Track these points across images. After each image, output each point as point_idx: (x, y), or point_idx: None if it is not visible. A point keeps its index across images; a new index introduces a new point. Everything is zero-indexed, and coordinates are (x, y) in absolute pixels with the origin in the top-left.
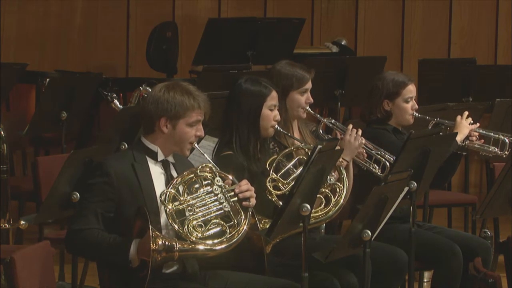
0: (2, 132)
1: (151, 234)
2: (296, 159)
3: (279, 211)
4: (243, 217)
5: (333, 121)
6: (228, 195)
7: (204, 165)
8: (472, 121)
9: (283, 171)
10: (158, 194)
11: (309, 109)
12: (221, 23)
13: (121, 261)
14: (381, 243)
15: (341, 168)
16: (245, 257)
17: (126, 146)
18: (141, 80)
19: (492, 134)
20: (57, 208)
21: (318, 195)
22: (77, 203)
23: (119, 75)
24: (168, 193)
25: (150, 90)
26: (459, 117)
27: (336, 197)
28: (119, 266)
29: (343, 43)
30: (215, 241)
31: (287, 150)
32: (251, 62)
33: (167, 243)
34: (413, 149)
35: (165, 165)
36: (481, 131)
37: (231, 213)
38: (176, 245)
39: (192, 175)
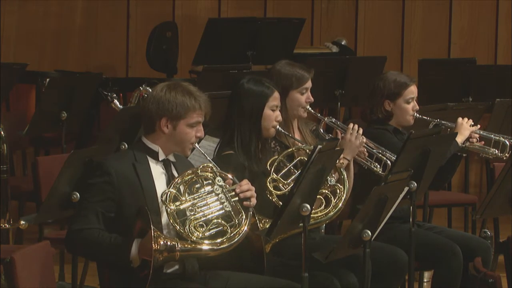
0: (2, 132)
1: (152, 234)
2: (297, 159)
3: (279, 211)
4: (244, 217)
5: (333, 120)
6: (229, 195)
7: (205, 165)
8: (472, 123)
9: (283, 171)
10: (159, 194)
11: (310, 108)
12: (221, 23)
13: (122, 261)
14: (381, 243)
15: (342, 169)
16: (245, 257)
17: (126, 146)
18: (141, 80)
19: (492, 136)
20: (57, 208)
21: (318, 196)
22: (77, 203)
23: (119, 75)
24: (169, 193)
25: (150, 90)
26: (460, 119)
27: (336, 199)
28: (120, 266)
29: (343, 43)
30: (216, 241)
31: (288, 150)
32: (251, 62)
33: (168, 243)
34: (413, 149)
35: (166, 164)
36: (481, 132)
37: (232, 213)
38: (178, 245)
39: (193, 175)
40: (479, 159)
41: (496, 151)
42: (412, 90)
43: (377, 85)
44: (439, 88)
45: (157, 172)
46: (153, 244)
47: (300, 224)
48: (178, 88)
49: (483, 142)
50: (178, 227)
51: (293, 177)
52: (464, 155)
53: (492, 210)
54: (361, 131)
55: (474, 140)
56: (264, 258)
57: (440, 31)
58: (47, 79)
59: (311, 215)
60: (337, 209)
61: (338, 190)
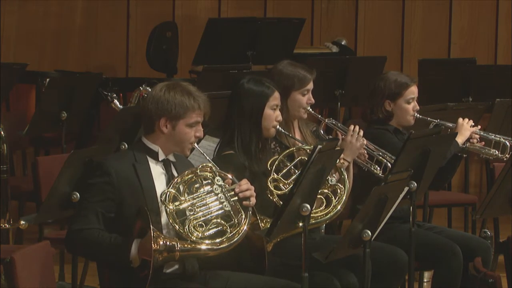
0: (2, 132)
1: (152, 234)
2: (298, 159)
3: (279, 211)
4: (243, 216)
5: (334, 121)
6: (228, 194)
7: (204, 164)
8: (473, 123)
9: (284, 171)
10: (159, 194)
11: (310, 109)
12: (221, 23)
13: (122, 261)
14: (381, 243)
15: (342, 169)
16: (245, 257)
17: (126, 146)
18: (141, 80)
19: (493, 136)
20: (57, 208)
21: (318, 196)
22: (77, 203)
23: (119, 75)
24: (168, 193)
25: (150, 90)
26: (460, 119)
27: (336, 199)
28: (120, 266)
29: (343, 43)
30: (216, 240)
31: (288, 150)
32: (251, 62)
33: (168, 243)
34: (413, 149)
35: (166, 164)
36: (482, 133)
37: (232, 212)
38: (177, 245)
39: (192, 174)
40: (479, 159)
41: (497, 152)
42: (413, 90)
43: (378, 85)
44: (439, 88)
45: (157, 172)
46: (153, 244)
47: (300, 224)
48: (177, 88)
49: (483, 143)
50: (177, 227)
51: (293, 177)
52: (464, 155)
53: (492, 210)
54: (361, 132)
55: (475, 140)
56: (265, 258)
57: (440, 31)
58: (47, 79)
59: (311, 215)
60: (337, 209)
61: (338, 190)
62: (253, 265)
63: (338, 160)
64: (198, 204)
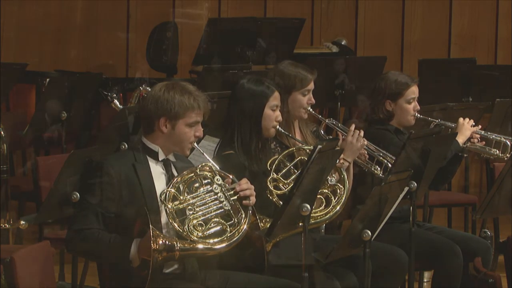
0: (2, 132)
1: (151, 234)
2: (298, 159)
3: (279, 211)
4: (243, 215)
5: (334, 121)
6: (228, 194)
7: (204, 164)
8: (473, 123)
9: (284, 171)
10: (159, 194)
11: (311, 109)
12: (221, 23)
13: (122, 261)
14: (381, 243)
15: (342, 169)
16: (245, 256)
17: (126, 146)
18: (141, 80)
19: (493, 136)
20: (57, 208)
21: (318, 196)
22: (77, 203)
23: (119, 75)
24: (168, 192)
25: (150, 90)
26: (461, 119)
27: (336, 199)
28: (120, 266)
29: (343, 43)
30: (216, 240)
31: (288, 150)
32: (251, 62)
33: (168, 242)
34: (413, 149)
35: (166, 164)
36: (482, 133)
37: (231, 211)
38: (177, 245)
39: (192, 174)
40: (479, 159)
41: (497, 152)
42: (414, 90)
43: (379, 85)
44: (439, 88)
45: (157, 172)
46: (152, 244)
47: (300, 224)
48: (177, 87)
49: (484, 143)
50: (177, 227)
51: (293, 177)
52: (465, 155)
53: (492, 210)
54: (362, 133)
55: (475, 140)
56: (265, 258)
57: (440, 31)
58: (47, 79)
59: (311, 215)
60: (336, 209)
61: (338, 190)
62: (253, 264)
63: (338, 160)
64: (198, 203)
